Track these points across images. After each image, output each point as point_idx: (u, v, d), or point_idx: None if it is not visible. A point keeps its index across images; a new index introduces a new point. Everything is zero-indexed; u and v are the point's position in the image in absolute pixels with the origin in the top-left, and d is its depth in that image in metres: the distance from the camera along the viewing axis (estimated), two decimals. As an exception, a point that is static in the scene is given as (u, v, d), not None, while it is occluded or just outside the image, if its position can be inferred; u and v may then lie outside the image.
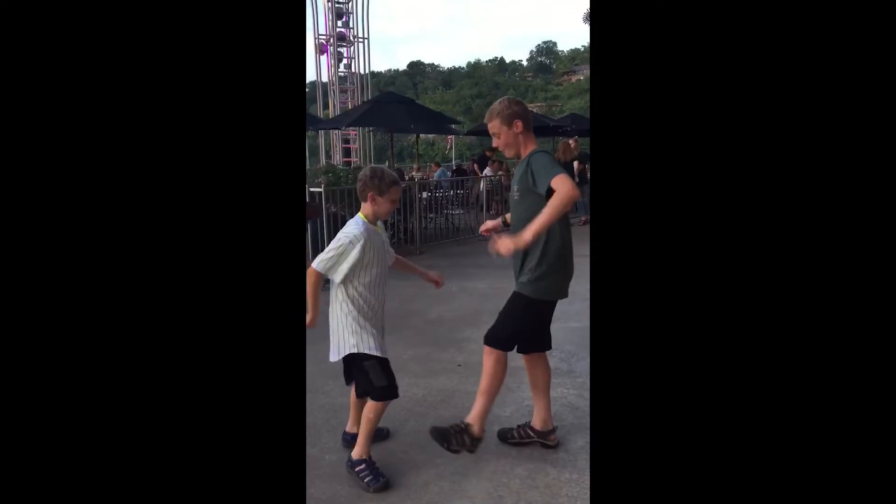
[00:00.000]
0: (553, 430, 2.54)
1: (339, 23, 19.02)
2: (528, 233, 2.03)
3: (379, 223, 2.39)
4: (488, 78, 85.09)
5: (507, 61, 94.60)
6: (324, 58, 19.06)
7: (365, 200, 2.30)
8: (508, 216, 2.62)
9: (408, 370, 3.38)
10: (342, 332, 2.30)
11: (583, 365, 3.48)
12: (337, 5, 18.68)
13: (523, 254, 2.29)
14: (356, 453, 2.34)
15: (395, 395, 2.35)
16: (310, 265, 2.22)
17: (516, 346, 2.45)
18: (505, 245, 2.06)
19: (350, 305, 2.28)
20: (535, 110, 22.07)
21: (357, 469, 2.31)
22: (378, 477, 2.28)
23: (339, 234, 2.25)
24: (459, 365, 3.52)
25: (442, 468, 2.39)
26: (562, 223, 2.26)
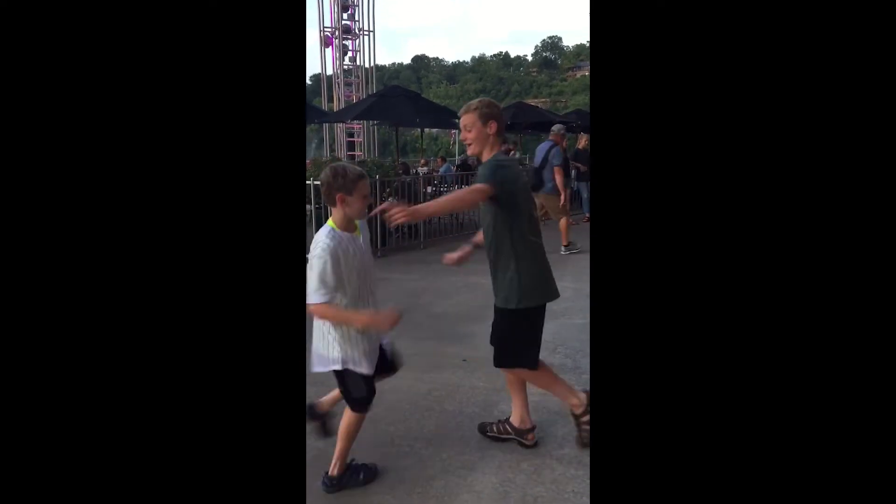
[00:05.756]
0: (531, 430, 2.53)
1: (345, 15, 18.98)
2: (420, 207, 2.17)
3: (361, 224, 2.19)
4: (493, 73, 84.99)
5: (512, 56, 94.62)
6: (329, 51, 19.02)
7: (334, 205, 2.08)
8: (479, 238, 2.52)
9: (413, 365, 3.38)
10: (327, 346, 2.13)
11: (588, 361, 3.49)
12: (343, -2, 18.63)
13: (494, 271, 2.34)
14: (334, 471, 2.24)
15: (365, 410, 2.22)
16: (308, 304, 2.00)
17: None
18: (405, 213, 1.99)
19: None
20: (539, 106, 22.01)
21: (344, 480, 2.25)
22: (369, 470, 2.30)
23: (314, 250, 2.04)
24: (465, 360, 3.53)
25: (447, 462, 2.40)
26: (514, 231, 2.26)
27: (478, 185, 2.20)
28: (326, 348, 2.12)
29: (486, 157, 2.34)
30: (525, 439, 2.51)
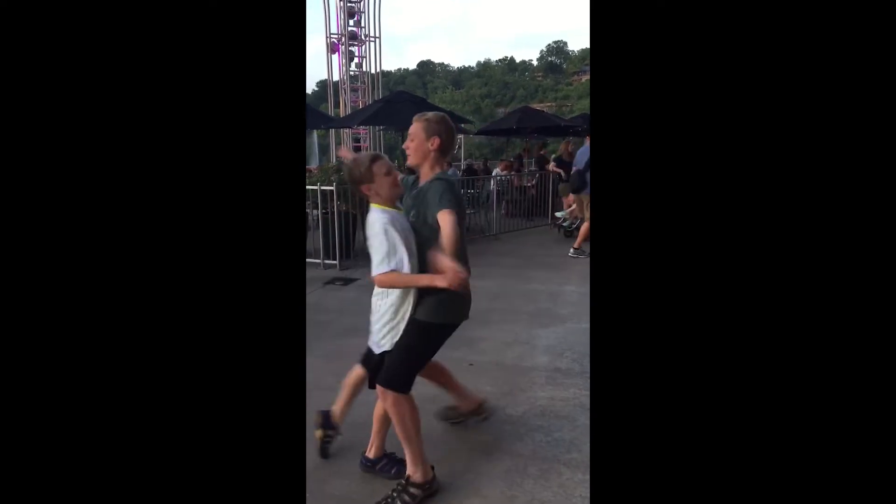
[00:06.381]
0: (481, 403, 2.72)
1: (351, 22, 19.07)
2: (447, 259, 1.92)
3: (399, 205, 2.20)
4: (498, 77, 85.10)
5: (518, 61, 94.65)
6: (335, 57, 19.11)
7: (367, 198, 2.14)
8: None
9: (419, 369, 3.39)
10: (379, 326, 2.18)
11: (595, 366, 3.48)
12: (349, 4, 18.72)
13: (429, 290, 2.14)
14: (373, 452, 2.35)
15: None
16: (373, 276, 2.05)
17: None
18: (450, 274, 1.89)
19: (386, 297, 2.14)
20: (545, 110, 21.97)
21: (378, 466, 2.34)
22: (404, 467, 2.29)
23: (373, 229, 2.07)
24: (471, 364, 3.53)
25: (455, 466, 2.40)
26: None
27: (453, 215, 2.03)
28: (379, 332, 2.17)
29: (425, 172, 2.22)
30: (479, 414, 2.70)
